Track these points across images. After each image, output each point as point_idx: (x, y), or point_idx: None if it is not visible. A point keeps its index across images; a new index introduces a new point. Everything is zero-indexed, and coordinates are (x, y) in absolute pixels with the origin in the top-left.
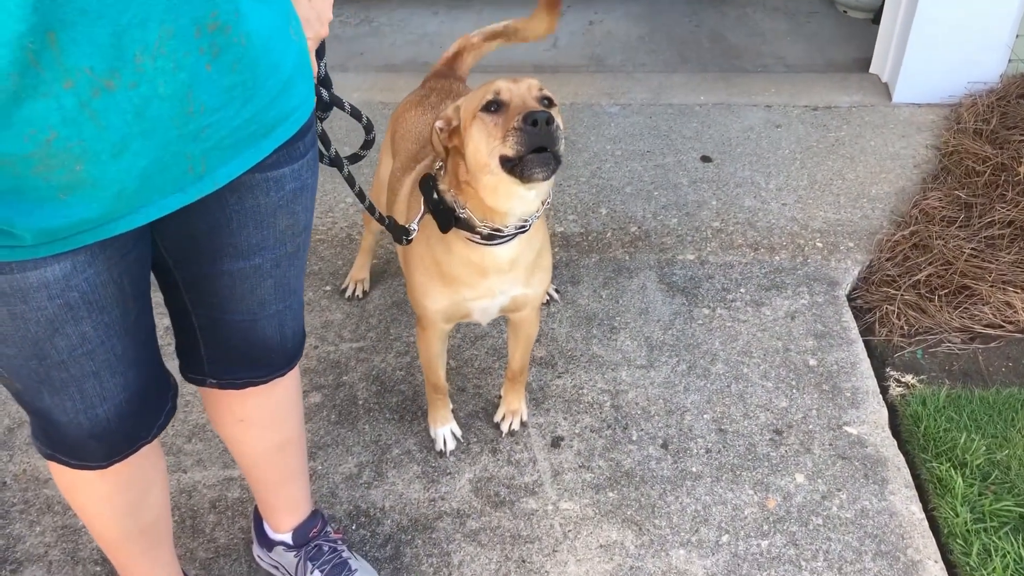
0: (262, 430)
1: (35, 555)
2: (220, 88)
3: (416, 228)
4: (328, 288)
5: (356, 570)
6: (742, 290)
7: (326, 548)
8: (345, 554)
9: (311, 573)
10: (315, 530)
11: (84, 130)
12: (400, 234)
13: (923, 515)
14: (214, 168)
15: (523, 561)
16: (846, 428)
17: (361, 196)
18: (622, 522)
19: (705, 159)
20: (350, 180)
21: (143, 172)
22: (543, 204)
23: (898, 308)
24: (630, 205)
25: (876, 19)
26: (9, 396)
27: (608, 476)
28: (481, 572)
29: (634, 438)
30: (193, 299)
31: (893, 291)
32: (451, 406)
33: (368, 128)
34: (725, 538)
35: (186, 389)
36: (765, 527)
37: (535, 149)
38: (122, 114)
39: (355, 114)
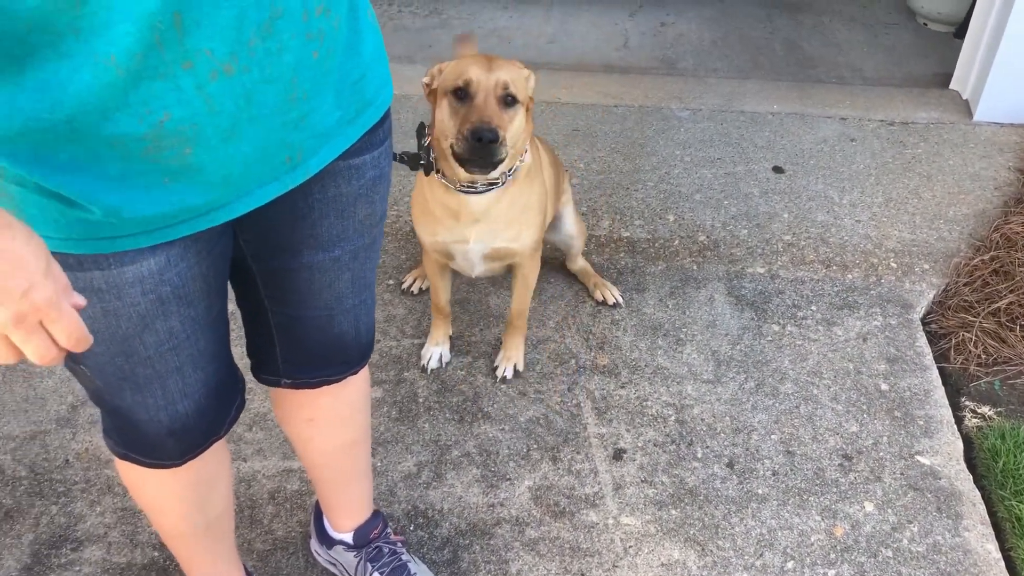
0: (331, 429)
1: (95, 535)
2: (318, 73)
3: (431, 160)
4: (391, 282)
5: (415, 574)
6: (813, 307)
7: (386, 550)
8: (404, 557)
9: (370, 574)
10: (376, 532)
11: (197, 113)
12: (415, 161)
13: (999, 555)
14: (307, 157)
15: (582, 575)
16: (918, 458)
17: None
18: (684, 541)
19: (777, 170)
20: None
21: (247, 159)
22: (519, 163)
23: (975, 336)
24: (699, 213)
25: (958, 33)
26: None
27: (671, 493)
28: None
29: (699, 455)
30: (270, 295)
31: (971, 318)
32: (450, 331)
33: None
34: (790, 564)
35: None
36: (832, 556)
37: (477, 154)
38: (235, 99)
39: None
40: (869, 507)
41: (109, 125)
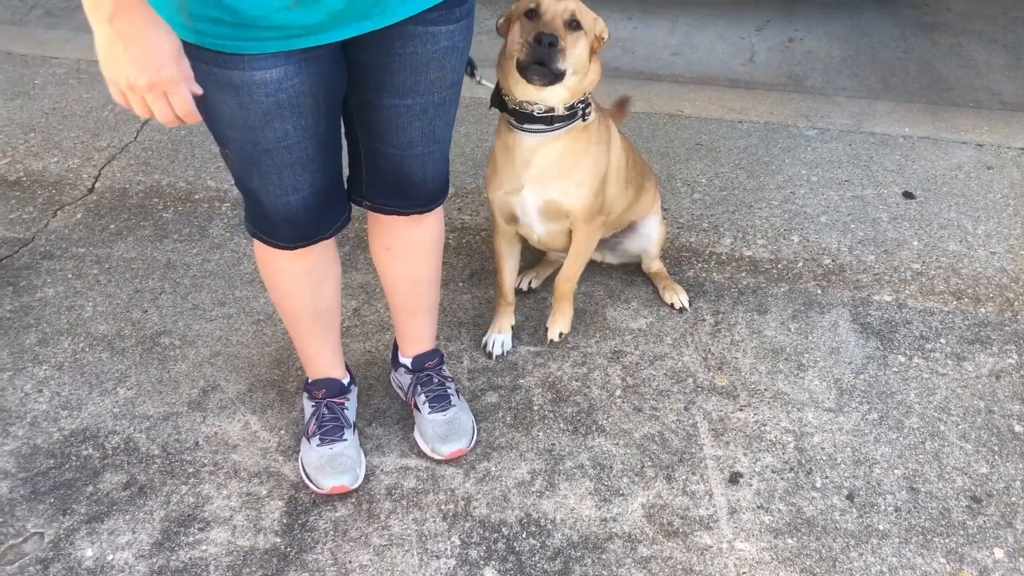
0: (402, 262)
1: (221, 517)
2: None
3: (486, 83)
4: None
5: (454, 406)
6: (942, 340)
7: (435, 380)
8: (450, 390)
9: (418, 395)
10: (431, 363)
11: None
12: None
13: None
14: (395, 6)
15: None
16: None
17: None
18: (800, 572)
19: (907, 195)
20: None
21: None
22: (581, 117)
23: None
24: (824, 236)
25: None
26: (211, 347)
27: (788, 521)
28: None
29: (818, 485)
30: (360, 126)
31: None
32: (513, 320)
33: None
34: None
35: (369, 373)
36: None
37: (538, 61)
38: None
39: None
40: (999, 554)
41: None
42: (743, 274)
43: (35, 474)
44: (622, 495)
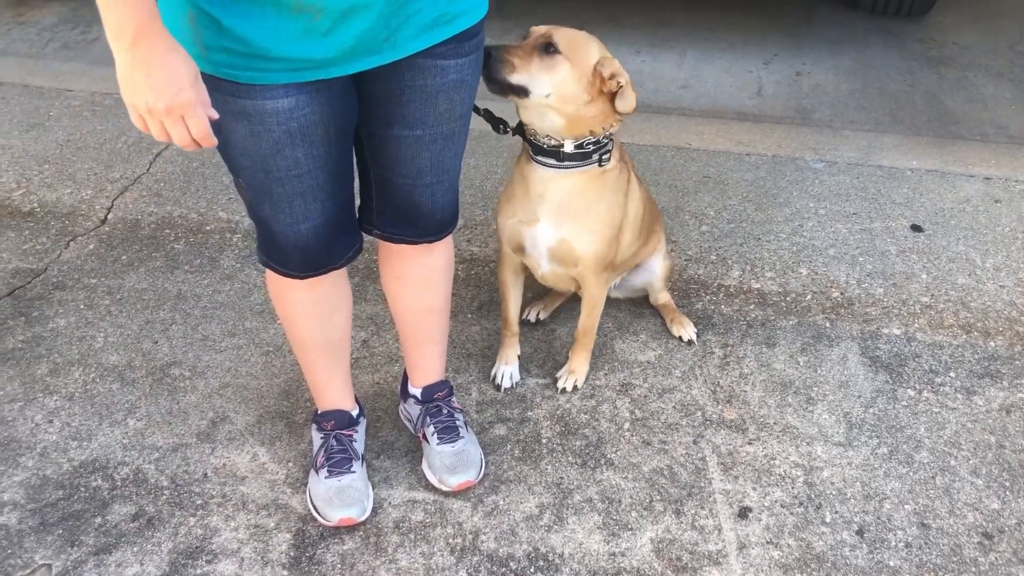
0: (412, 291)
1: (229, 549)
2: None
3: (510, 129)
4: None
5: (463, 438)
6: (952, 374)
7: (444, 411)
8: (459, 422)
9: (427, 426)
10: (440, 394)
11: None
12: (497, 123)
13: None
14: (404, 42)
15: None
16: None
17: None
18: None
19: (915, 228)
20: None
21: (359, 34)
22: (597, 162)
23: None
24: (832, 268)
25: None
26: (221, 378)
27: (798, 557)
28: None
29: (827, 520)
30: (370, 156)
31: None
32: (520, 351)
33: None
34: None
35: (377, 405)
36: None
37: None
38: None
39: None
40: None
41: None
42: (752, 307)
43: (44, 505)
44: (631, 529)
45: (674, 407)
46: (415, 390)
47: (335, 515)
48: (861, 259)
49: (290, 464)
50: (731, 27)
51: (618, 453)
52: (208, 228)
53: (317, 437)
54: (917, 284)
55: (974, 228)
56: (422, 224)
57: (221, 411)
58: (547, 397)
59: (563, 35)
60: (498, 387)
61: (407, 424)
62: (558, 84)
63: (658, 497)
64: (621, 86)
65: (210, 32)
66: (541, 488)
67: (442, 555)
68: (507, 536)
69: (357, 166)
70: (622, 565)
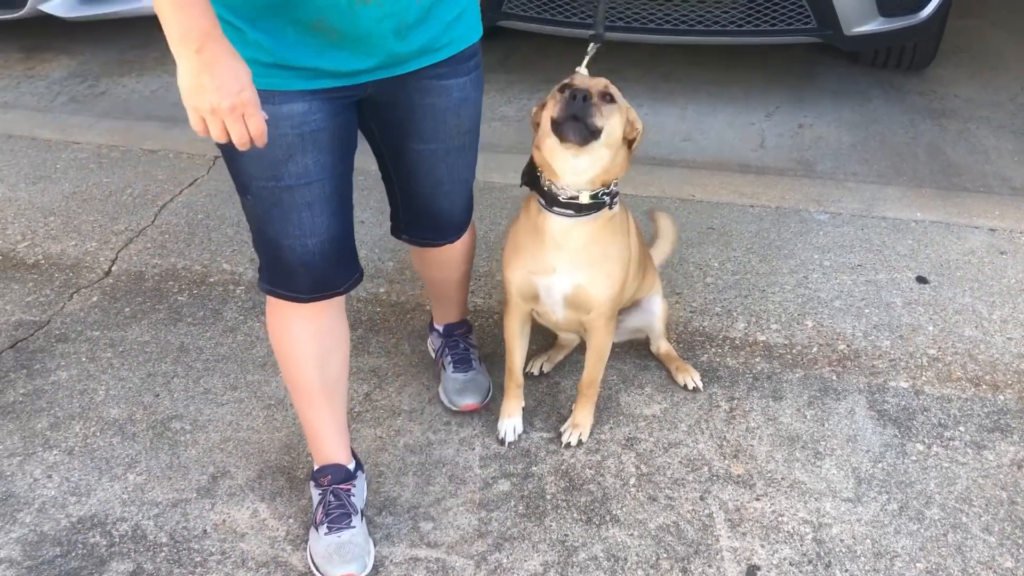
0: (436, 268)
1: None
2: (422, 10)
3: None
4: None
5: (475, 369)
6: (961, 428)
7: (462, 345)
8: (473, 356)
9: (445, 356)
10: (459, 331)
11: (343, 21)
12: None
13: None
14: (406, 61)
15: None
16: None
17: None
18: None
19: (921, 280)
20: None
21: (366, 53)
22: (608, 206)
23: None
24: (838, 321)
25: None
26: (222, 432)
27: None
28: None
29: None
30: (391, 169)
31: None
32: (523, 403)
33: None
34: None
35: (380, 460)
36: None
37: (572, 117)
38: (368, 19)
39: None
40: None
41: (291, 11)
42: (757, 359)
43: (40, 562)
44: None
45: (680, 462)
46: (438, 327)
47: (335, 572)
48: (867, 311)
49: (291, 520)
50: (733, 80)
51: (623, 509)
52: (211, 280)
53: (315, 493)
54: (924, 336)
55: (980, 280)
56: (443, 228)
57: (222, 466)
58: (551, 452)
59: (614, 86)
60: (502, 442)
61: (431, 353)
62: (614, 129)
63: (664, 555)
64: (638, 131)
65: (235, 42)
66: (545, 546)
67: None
68: None
69: (383, 179)
70: None
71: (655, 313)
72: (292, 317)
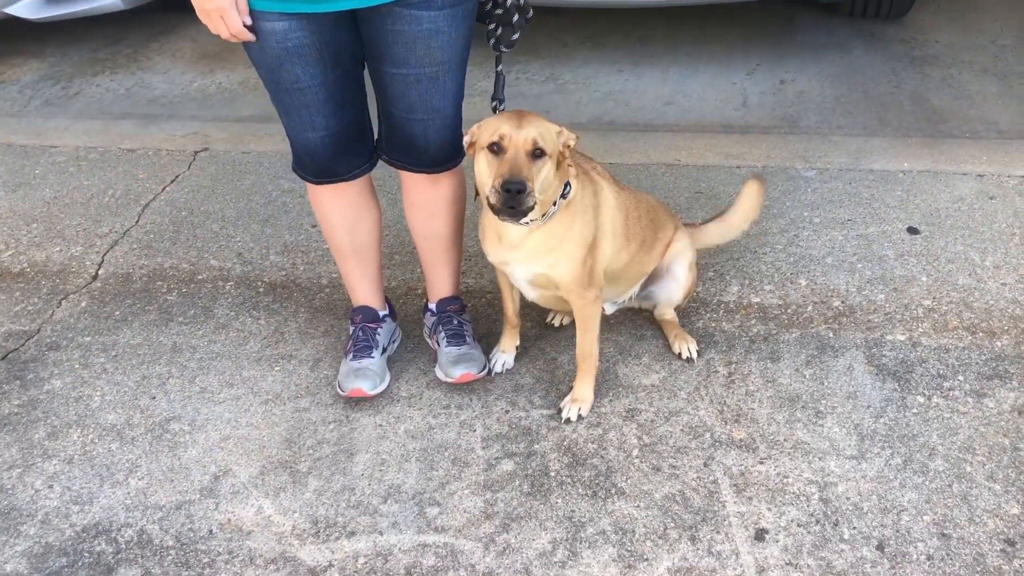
0: (423, 216)
1: None
2: None
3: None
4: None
5: (468, 344)
6: (960, 378)
7: (455, 321)
8: (466, 331)
9: (439, 333)
10: (451, 307)
11: None
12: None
13: None
14: None
15: None
16: None
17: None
18: None
19: (912, 231)
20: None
21: None
22: (553, 207)
23: None
24: (832, 277)
25: None
26: (221, 431)
27: None
28: None
29: (846, 536)
30: (376, 90)
31: None
32: (518, 342)
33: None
34: None
35: (380, 448)
36: None
37: (509, 206)
38: None
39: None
40: None
41: None
42: (753, 321)
43: (48, 574)
44: (647, 560)
45: (682, 430)
46: (432, 305)
47: (348, 386)
48: (859, 266)
49: (296, 515)
50: (712, 40)
51: (628, 481)
52: (200, 278)
53: (351, 329)
54: (918, 287)
55: (970, 227)
56: (417, 155)
57: (223, 464)
58: (552, 428)
59: (541, 131)
60: (490, 372)
61: (427, 339)
62: (543, 182)
63: (672, 524)
64: (571, 145)
65: None
66: (552, 523)
67: None
68: (520, 575)
69: (377, 102)
70: None
71: (679, 281)
72: (317, 192)
